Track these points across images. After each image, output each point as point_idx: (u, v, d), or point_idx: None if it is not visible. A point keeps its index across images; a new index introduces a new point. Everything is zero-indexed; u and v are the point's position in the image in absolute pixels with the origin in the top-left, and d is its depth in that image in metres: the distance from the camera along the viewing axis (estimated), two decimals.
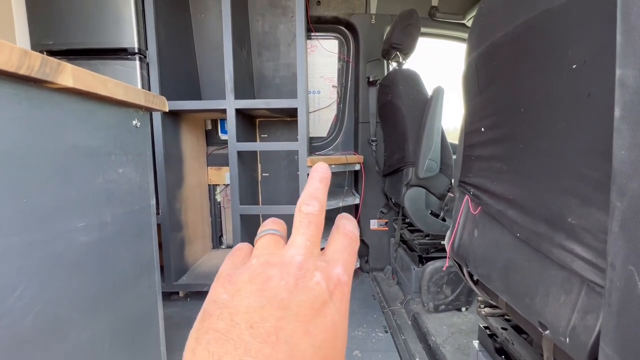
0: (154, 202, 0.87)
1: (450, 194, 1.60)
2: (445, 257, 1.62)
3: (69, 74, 0.54)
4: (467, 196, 0.89)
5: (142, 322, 0.81)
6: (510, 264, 0.65)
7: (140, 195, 0.81)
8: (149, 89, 1.59)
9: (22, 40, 1.51)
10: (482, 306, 1.01)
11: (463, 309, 1.59)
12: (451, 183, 1.64)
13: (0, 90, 0.45)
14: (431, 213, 1.62)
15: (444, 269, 1.04)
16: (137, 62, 1.52)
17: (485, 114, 0.79)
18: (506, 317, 0.95)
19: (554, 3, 0.51)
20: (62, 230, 0.55)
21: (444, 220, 1.61)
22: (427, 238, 1.69)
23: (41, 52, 1.51)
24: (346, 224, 0.22)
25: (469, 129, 0.89)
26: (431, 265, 1.56)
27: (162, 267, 1.77)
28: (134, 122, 0.79)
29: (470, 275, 0.93)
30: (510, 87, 0.66)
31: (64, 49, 1.51)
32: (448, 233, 1.02)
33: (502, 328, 0.90)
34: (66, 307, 0.57)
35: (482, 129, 0.80)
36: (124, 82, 0.71)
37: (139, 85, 1.53)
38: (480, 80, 0.79)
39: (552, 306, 0.54)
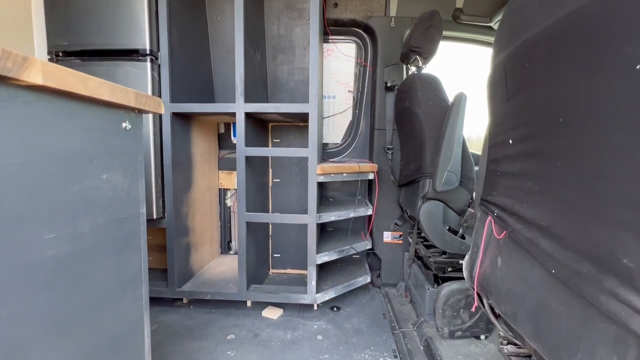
0: (144, 209, 0.81)
1: (470, 210, 1.46)
2: (463, 279, 1.49)
3: (38, 71, 0.49)
4: (490, 217, 0.78)
5: (123, 342, 0.75)
6: (542, 306, 0.54)
7: (128, 202, 0.76)
8: (159, 91, 1.56)
9: (39, 41, 1.53)
10: (505, 342, 0.88)
11: (482, 337, 1.45)
12: (472, 198, 1.50)
13: None
14: (449, 229, 1.50)
15: (472, 309, 0.92)
16: (149, 64, 1.50)
17: (514, 124, 0.68)
18: (533, 358, 0.82)
19: None
20: (23, 244, 0.50)
21: (463, 237, 1.48)
22: (444, 256, 1.56)
23: (56, 52, 1.52)
24: None
25: (494, 141, 0.78)
26: (447, 287, 1.43)
27: (165, 272, 1.73)
28: (124, 125, 0.74)
29: (492, 308, 0.81)
30: (546, 92, 0.56)
31: (78, 49, 1.51)
32: (467, 257, 0.90)
33: None
34: (25, 329, 0.51)
35: (510, 141, 0.69)
36: (120, 83, 0.66)
37: (149, 87, 1.51)
38: (509, 85, 0.69)
39: None
